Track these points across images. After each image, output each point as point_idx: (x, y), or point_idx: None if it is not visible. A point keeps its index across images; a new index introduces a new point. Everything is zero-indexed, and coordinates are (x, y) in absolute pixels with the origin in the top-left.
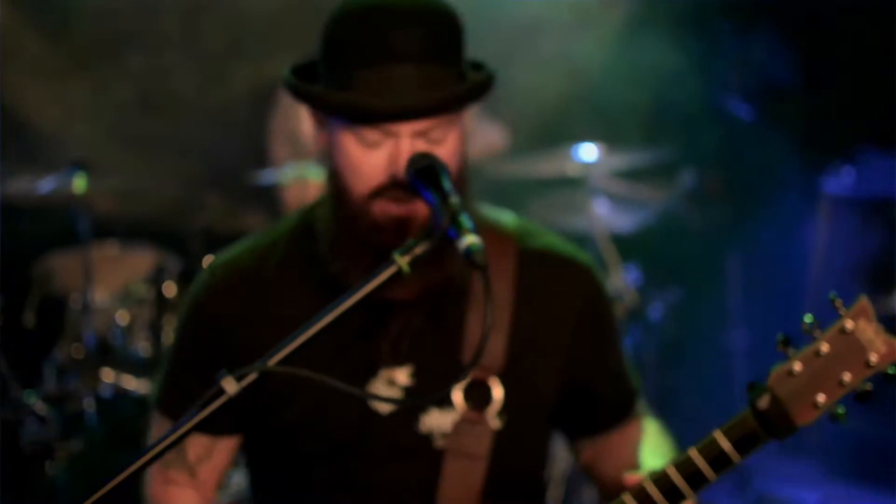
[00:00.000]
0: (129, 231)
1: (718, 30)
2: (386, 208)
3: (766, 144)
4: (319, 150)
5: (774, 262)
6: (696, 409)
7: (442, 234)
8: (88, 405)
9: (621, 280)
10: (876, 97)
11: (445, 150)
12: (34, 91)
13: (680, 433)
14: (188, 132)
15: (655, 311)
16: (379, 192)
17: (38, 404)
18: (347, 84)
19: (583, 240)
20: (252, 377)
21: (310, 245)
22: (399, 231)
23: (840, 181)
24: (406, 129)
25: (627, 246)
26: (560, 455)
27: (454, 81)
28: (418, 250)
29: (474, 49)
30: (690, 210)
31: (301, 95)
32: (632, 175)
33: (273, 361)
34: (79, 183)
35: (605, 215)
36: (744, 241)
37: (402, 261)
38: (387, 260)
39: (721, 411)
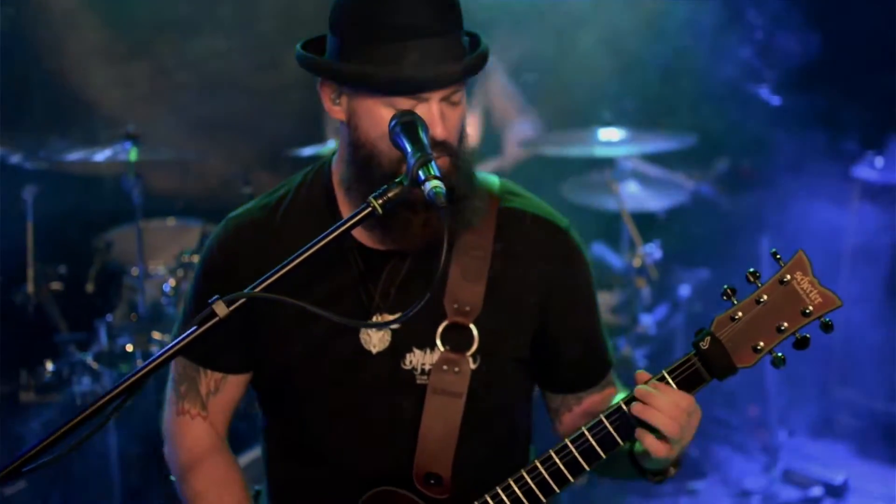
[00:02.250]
0: (185, 208)
1: (748, 18)
2: None
3: (796, 131)
4: (338, 122)
5: (805, 246)
6: (723, 384)
7: (412, 179)
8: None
9: (643, 256)
10: None
11: (461, 109)
12: (98, 74)
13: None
14: (243, 113)
15: (683, 289)
16: None
17: (91, 362)
18: (383, 59)
19: (610, 218)
20: (241, 301)
21: (319, 199)
22: None
23: (870, 168)
24: (436, 94)
25: (658, 226)
26: None
27: (467, 48)
28: (391, 194)
29: (524, 38)
30: (721, 194)
31: (334, 73)
32: (664, 158)
33: (259, 289)
34: (131, 153)
35: (635, 196)
36: (775, 224)
37: (376, 203)
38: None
39: (749, 387)
